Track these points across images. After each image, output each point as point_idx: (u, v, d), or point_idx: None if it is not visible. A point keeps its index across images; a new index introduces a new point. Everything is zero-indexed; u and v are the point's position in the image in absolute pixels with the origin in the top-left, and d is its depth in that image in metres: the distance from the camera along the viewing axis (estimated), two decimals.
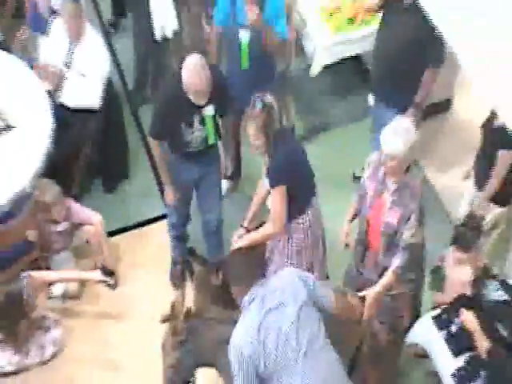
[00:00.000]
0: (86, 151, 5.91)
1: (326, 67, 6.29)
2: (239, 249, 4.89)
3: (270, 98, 4.76)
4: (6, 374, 5.27)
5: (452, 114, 6.64)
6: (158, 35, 6.09)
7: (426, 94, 5.64)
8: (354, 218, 4.99)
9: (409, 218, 4.60)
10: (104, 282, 5.60)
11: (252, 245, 4.95)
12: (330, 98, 6.82)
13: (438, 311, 4.93)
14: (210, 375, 4.83)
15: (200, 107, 5.08)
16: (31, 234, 5.46)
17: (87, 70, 5.70)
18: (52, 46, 5.79)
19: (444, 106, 6.56)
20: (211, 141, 5.24)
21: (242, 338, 4.11)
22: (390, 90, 5.65)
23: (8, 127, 5.43)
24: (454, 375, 4.65)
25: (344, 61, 6.40)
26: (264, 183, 5.07)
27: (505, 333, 4.61)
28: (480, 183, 5.44)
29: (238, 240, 5.02)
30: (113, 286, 5.69)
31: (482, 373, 4.56)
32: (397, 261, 4.68)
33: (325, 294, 4.28)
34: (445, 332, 4.81)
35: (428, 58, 5.42)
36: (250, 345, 4.06)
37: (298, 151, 5.00)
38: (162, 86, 5.60)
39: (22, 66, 5.80)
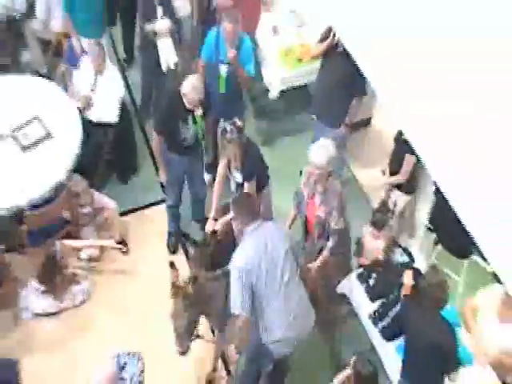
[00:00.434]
0: (105, 153, 5.86)
1: (282, 92, 6.22)
2: (214, 232, 4.75)
3: (238, 122, 4.75)
4: (47, 315, 5.26)
5: (372, 129, 6.54)
6: (164, 67, 5.92)
7: (354, 115, 5.62)
8: (294, 219, 4.98)
9: (332, 212, 4.65)
10: (118, 248, 5.59)
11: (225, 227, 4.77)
12: (283, 115, 6.63)
13: (360, 270, 5.01)
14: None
15: (192, 110, 5.03)
16: (66, 214, 5.43)
17: (107, 94, 5.65)
18: (82, 76, 5.76)
19: (366, 122, 6.47)
20: (200, 135, 5.17)
21: (242, 257, 4.05)
22: (326, 113, 5.58)
23: (49, 135, 5.41)
24: (369, 316, 4.78)
25: (295, 88, 6.29)
26: (232, 177, 5.00)
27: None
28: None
29: (215, 224, 4.85)
30: (125, 252, 5.70)
31: (390, 313, 4.67)
32: (329, 243, 4.75)
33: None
34: (364, 284, 4.90)
35: (355, 90, 5.37)
36: (248, 263, 4.01)
37: (259, 152, 5.02)
38: (165, 97, 5.43)
39: (60, 91, 5.75)
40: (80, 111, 5.61)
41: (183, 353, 4.36)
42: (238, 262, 4.05)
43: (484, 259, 4.41)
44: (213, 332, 5.06)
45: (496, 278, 4.16)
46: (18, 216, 5.17)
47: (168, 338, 4.38)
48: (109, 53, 6.11)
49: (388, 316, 4.69)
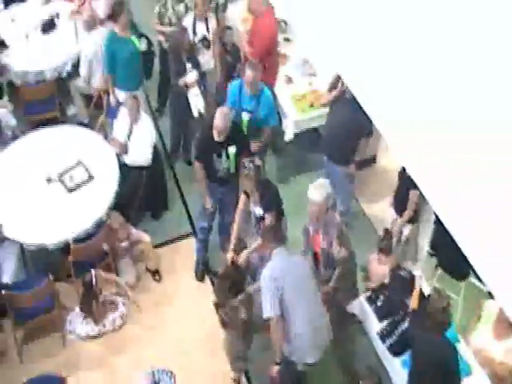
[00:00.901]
0: (139, 193, 5.91)
1: (296, 134, 6.26)
2: (232, 263, 4.85)
3: (258, 161, 4.88)
4: (90, 338, 5.40)
5: (377, 165, 6.56)
6: (195, 113, 6.02)
7: (362, 154, 5.72)
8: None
9: (332, 243, 4.66)
10: (152, 277, 5.77)
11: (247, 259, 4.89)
12: (297, 154, 6.60)
13: (368, 293, 5.05)
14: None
15: (226, 147, 5.11)
16: (106, 247, 5.52)
17: (141, 140, 5.76)
18: (119, 125, 5.86)
19: (372, 160, 6.49)
20: (232, 170, 5.27)
21: (269, 268, 4.28)
22: (336, 152, 5.63)
23: (91, 177, 5.63)
24: (378, 333, 4.82)
25: (308, 130, 6.32)
26: (252, 211, 5.03)
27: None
28: (397, 210, 5.45)
29: (238, 257, 4.90)
30: (158, 280, 5.84)
31: (396, 331, 4.74)
32: (336, 272, 4.78)
33: None
34: (373, 306, 4.95)
35: (362, 132, 5.41)
36: (275, 272, 4.22)
37: (276, 188, 5.14)
38: (200, 133, 5.54)
39: (100, 138, 6.00)
40: (118, 156, 5.77)
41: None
42: (266, 272, 4.25)
43: (480, 280, 4.53)
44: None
45: (491, 297, 4.27)
46: (65, 249, 5.34)
47: (196, 357, 4.57)
48: (143, 104, 6.25)
49: (395, 334, 4.75)
